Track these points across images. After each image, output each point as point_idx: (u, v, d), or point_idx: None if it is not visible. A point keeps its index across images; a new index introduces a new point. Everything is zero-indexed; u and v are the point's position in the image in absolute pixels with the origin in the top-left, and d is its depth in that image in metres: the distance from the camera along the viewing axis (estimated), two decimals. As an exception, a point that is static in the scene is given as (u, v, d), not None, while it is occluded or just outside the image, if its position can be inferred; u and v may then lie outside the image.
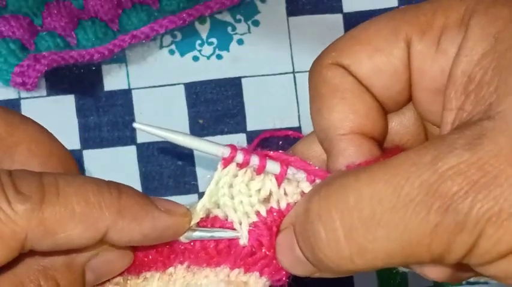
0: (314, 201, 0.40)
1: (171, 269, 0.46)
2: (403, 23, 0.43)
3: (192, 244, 0.45)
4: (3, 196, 0.40)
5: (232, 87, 0.74)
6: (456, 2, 0.42)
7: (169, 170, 0.74)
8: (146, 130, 0.44)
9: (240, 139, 0.73)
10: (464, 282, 0.75)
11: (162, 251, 0.46)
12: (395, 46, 0.43)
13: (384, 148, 0.46)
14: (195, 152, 0.74)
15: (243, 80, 0.74)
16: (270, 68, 0.74)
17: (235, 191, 0.45)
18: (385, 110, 0.45)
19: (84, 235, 0.42)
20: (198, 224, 0.45)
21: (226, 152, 0.44)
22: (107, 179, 0.44)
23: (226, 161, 0.45)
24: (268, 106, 0.74)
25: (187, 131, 0.73)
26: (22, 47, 0.70)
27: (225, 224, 0.45)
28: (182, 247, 0.46)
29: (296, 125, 0.73)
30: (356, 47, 0.44)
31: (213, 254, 0.45)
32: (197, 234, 0.45)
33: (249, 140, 0.73)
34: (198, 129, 0.74)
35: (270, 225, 0.44)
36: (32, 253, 0.42)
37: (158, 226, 0.43)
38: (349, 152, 0.44)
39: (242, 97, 0.74)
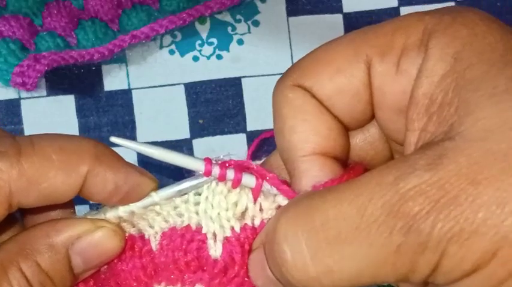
0: (281, 222, 0.40)
1: None
2: (363, 44, 0.43)
3: (162, 253, 0.45)
4: None
5: (232, 87, 0.74)
6: (415, 22, 0.42)
7: (169, 171, 0.74)
8: (123, 144, 0.45)
9: (240, 139, 0.73)
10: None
11: (136, 274, 0.46)
12: (356, 67, 0.43)
13: (348, 165, 0.46)
14: (195, 154, 0.74)
15: (243, 80, 0.74)
16: (270, 68, 0.74)
17: (215, 202, 0.45)
18: (347, 129, 0.46)
19: (66, 181, 0.44)
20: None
21: (201, 167, 0.44)
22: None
23: (206, 175, 0.45)
24: (268, 106, 0.73)
25: (188, 131, 0.73)
26: (22, 47, 0.70)
27: (196, 236, 0.45)
28: (154, 263, 0.45)
29: (296, 125, 0.73)
30: (317, 68, 0.44)
31: (183, 267, 0.45)
32: (163, 192, 0.45)
33: (249, 140, 0.73)
34: (198, 130, 0.74)
35: (243, 242, 0.45)
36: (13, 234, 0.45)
37: (130, 180, 0.45)
38: (312, 172, 0.44)
39: (242, 97, 0.74)
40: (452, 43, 0.40)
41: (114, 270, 0.46)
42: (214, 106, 0.74)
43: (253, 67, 0.74)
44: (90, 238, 0.45)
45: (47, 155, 0.44)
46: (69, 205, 0.49)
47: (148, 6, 0.73)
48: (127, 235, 0.47)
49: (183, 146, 0.73)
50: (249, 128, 0.74)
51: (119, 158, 0.47)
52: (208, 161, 0.44)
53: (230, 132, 0.74)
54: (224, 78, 0.74)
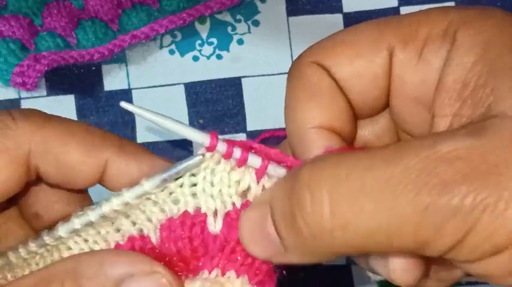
0: (306, 168, 0.39)
1: None
2: (387, 31, 0.44)
3: (164, 247, 0.44)
4: (9, 115, 0.44)
5: (232, 87, 0.74)
6: (440, 16, 0.43)
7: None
8: (132, 110, 0.44)
9: (240, 139, 0.73)
10: (464, 282, 0.75)
11: None
12: (378, 54, 0.44)
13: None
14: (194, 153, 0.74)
15: (243, 80, 0.74)
16: (270, 68, 0.74)
17: (216, 180, 0.44)
18: (357, 117, 0.46)
19: (87, 160, 0.44)
20: None
21: (206, 141, 0.44)
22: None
23: (210, 150, 0.44)
24: (268, 106, 0.74)
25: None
26: (22, 47, 0.70)
27: (196, 219, 0.44)
28: (158, 259, 0.44)
29: (296, 125, 0.73)
30: (339, 50, 0.44)
31: (188, 255, 0.44)
32: (153, 179, 0.44)
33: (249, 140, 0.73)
34: (198, 129, 0.74)
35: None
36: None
37: (157, 167, 0.45)
38: (321, 142, 0.44)
39: (242, 97, 0.74)
40: (481, 34, 0.40)
41: None
42: (214, 106, 0.74)
43: (253, 67, 0.74)
44: (143, 279, 0.42)
45: (72, 131, 0.45)
46: (87, 201, 0.49)
47: (148, 6, 0.73)
48: (126, 237, 0.45)
49: (183, 146, 0.73)
50: (249, 128, 0.74)
51: (145, 150, 0.46)
52: (214, 135, 0.44)
53: (230, 132, 0.74)
54: (224, 78, 0.74)
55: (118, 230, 0.46)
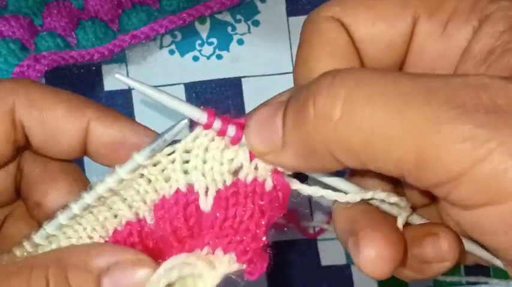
0: (329, 73, 0.37)
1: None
2: None
3: (159, 227, 0.44)
4: None
5: (232, 87, 0.74)
6: None
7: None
8: (128, 82, 0.43)
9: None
10: (464, 282, 0.75)
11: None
12: (401, 20, 0.43)
13: None
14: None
15: (243, 80, 0.74)
16: (270, 68, 0.74)
17: (208, 156, 0.44)
18: None
19: (69, 118, 0.45)
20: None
21: (203, 118, 0.43)
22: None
23: (205, 127, 0.44)
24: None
25: (187, 131, 0.73)
26: (22, 47, 0.70)
27: (190, 197, 0.44)
28: (154, 241, 0.45)
29: (296, 125, 0.73)
30: (361, 9, 0.44)
31: (185, 234, 0.44)
32: (145, 150, 0.44)
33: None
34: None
35: (233, 195, 0.44)
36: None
37: (139, 131, 0.45)
38: None
39: (242, 97, 0.74)
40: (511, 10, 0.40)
41: None
42: (214, 106, 0.74)
43: (253, 67, 0.74)
44: (126, 267, 0.43)
45: (55, 91, 0.45)
46: (81, 178, 0.49)
47: (148, 6, 0.73)
48: (124, 222, 0.45)
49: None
50: (249, 128, 0.74)
51: (127, 117, 0.46)
52: (211, 112, 0.43)
53: (230, 132, 0.74)
54: (224, 78, 0.74)
55: (115, 216, 0.46)
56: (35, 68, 0.68)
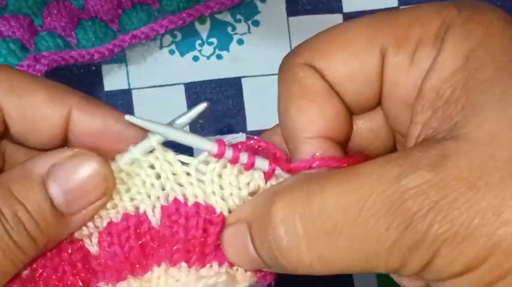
0: (278, 206, 0.40)
1: (148, 275, 0.45)
2: (380, 32, 0.43)
3: (166, 229, 0.44)
4: None
5: (232, 87, 0.74)
6: (433, 15, 0.42)
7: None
8: (138, 124, 0.44)
9: (240, 139, 0.73)
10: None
11: (134, 255, 0.45)
12: (371, 54, 0.43)
13: (349, 152, 0.46)
14: (194, 151, 0.74)
15: (243, 80, 0.74)
16: (270, 68, 0.74)
17: (225, 183, 0.45)
18: (351, 113, 0.46)
19: (50, 104, 0.44)
20: None
21: (214, 149, 0.44)
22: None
23: (218, 157, 0.44)
24: (268, 106, 0.73)
25: (187, 131, 0.73)
26: (22, 47, 0.70)
27: (214, 219, 0.45)
28: (155, 245, 0.44)
29: (296, 125, 0.73)
30: (331, 50, 0.44)
31: (197, 245, 0.44)
32: (158, 135, 0.44)
33: (249, 140, 0.73)
34: (198, 130, 0.73)
35: None
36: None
37: (122, 121, 0.44)
38: (315, 151, 0.44)
39: (242, 97, 0.74)
40: (467, 41, 0.40)
41: (109, 253, 0.44)
42: (214, 106, 0.74)
43: (253, 67, 0.74)
44: (66, 163, 0.42)
45: (37, 78, 0.45)
46: None
47: (148, 6, 0.73)
48: (122, 212, 0.44)
49: (183, 147, 0.73)
50: (249, 128, 0.74)
51: (110, 106, 0.46)
52: (221, 142, 0.44)
53: (230, 132, 0.74)
54: (224, 78, 0.74)
55: (113, 207, 0.45)
56: (35, 68, 0.68)
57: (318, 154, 0.43)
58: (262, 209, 0.41)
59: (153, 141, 0.44)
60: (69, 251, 0.44)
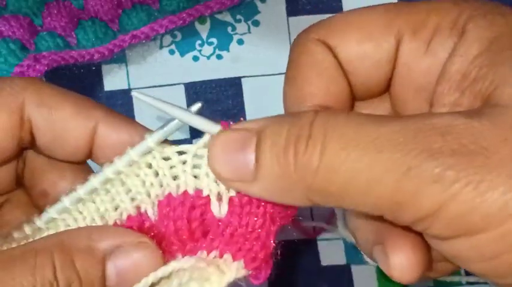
0: (311, 112, 0.39)
1: None
2: (397, 18, 0.44)
3: (162, 224, 0.44)
4: (7, 78, 0.46)
5: (232, 87, 0.74)
6: (450, 6, 0.43)
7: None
8: (143, 99, 0.44)
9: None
10: (464, 282, 0.75)
11: None
12: (386, 39, 0.44)
13: None
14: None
15: (243, 80, 0.74)
16: (270, 68, 0.74)
17: None
18: (355, 98, 0.46)
19: (77, 118, 0.45)
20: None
21: (217, 131, 0.44)
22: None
23: None
24: (268, 106, 0.73)
25: (187, 131, 0.73)
26: (22, 47, 0.70)
27: (197, 201, 0.44)
28: (156, 237, 0.45)
29: (296, 125, 0.73)
30: (347, 30, 0.45)
31: (186, 236, 0.44)
32: (156, 134, 0.44)
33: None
34: (198, 130, 0.73)
35: (248, 202, 0.44)
36: None
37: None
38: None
39: (242, 97, 0.74)
40: (490, 28, 0.41)
41: None
42: (214, 106, 0.74)
43: (253, 67, 0.74)
44: (131, 252, 0.43)
45: (64, 91, 0.46)
46: (87, 170, 0.49)
47: (148, 6, 0.73)
48: (125, 216, 0.45)
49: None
50: (249, 128, 0.74)
51: (135, 121, 0.47)
52: (225, 124, 0.44)
53: (230, 132, 0.74)
54: (224, 78, 0.74)
55: (116, 209, 0.46)
56: (35, 68, 0.68)
57: None
58: (287, 117, 0.40)
59: (150, 142, 0.44)
60: None
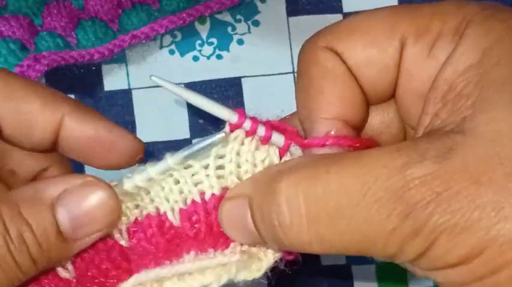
0: (283, 184, 0.40)
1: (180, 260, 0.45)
2: (401, 21, 0.44)
3: (196, 229, 0.45)
4: None
5: (232, 87, 0.74)
6: (455, 9, 0.43)
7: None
8: (162, 84, 0.44)
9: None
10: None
11: (161, 246, 0.45)
12: (391, 43, 0.44)
13: (360, 137, 0.46)
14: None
15: (243, 80, 0.74)
16: (270, 68, 0.74)
17: (242, 160, 0.45)
18: (368, 102, 0.46)
19: (44, 110, 0.45)
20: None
21: (234, 118, 0.44)
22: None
23: (233, 127, 0.44)
24: (268, 106, 0.73)
25: (187, 131, 0.73)
26: (22, 47, 0.70)
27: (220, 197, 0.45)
28: (185, 235, 0.45)
29: (296, 125, 0.73)
30: (352, 35, 0.45)
31: (218, 234, 0.45)
32: (178, 155, 0.44)
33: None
34: (198, 129, 0.74)
35: None
36: None
37: (113, 130, 0.46)
38: (331, 128, 0.44)
39: (242, 97, 0.74)
40: (486, 37, 0.40)
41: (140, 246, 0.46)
42: (214, 106, 0.74)
43: (253, 67, 0.74)
44: (76, 190, 0.43)
45: (33, 84, 0.46)
46: (63, 159, 0.49)
47: (148, 6, 0.73)
48: (144, 214, 0.46)
49: (183, 147, 0.73)
50: (249, 128, 0.74)
51: (103, 115, 0.47)
52: (241, 112, 0.44)
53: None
54: (224, 78, 0.74)
55: (137, 206, 0.46)
56: (35, 68, 0.68)
57: (332, 132, 0.44)
58: (266, 186, 0.41)
59: (170, 162, 0.45)
60: (105, 250, 0.45)
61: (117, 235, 0.46)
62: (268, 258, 0.45)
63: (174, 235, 0.45)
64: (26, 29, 0.71)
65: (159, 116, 0.74)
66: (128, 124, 0.73)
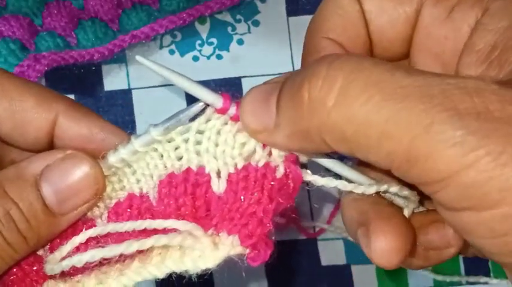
0: (332, 55, 0.38)
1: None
2: None
3: (162, 203, 0.44)
4: None
5: (232, 87, 0.74)
6: None
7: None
8: (147, 65, 0.44)
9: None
10: (464, 282, 0.75)
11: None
12: (408, 1, 0.45)
13: None
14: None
15: (243, 80, 0.74)
16: (270, 68, 0.74)
17: (221, 140, 0.44)
18: (372, 53, 0.47)
19: (38, 109, 0.45)
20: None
21: (218, 103, 0.44)
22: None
23: (220, 111, 0.44)
24: (268, 106, 0.74)
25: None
26: (22, 47, 0.70)
27: (201, 178, 0.44)
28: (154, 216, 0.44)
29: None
30: None
31: (189, 212, 0.44)
32: (160, 126, 0.44)
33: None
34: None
35: (244, 179, 0.43)
36: None
37: (107, 129, 0.46)
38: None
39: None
40: None
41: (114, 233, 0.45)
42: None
43: (253, 67, 0.74)
44: (58, 164, 0.44)
45: (28, 83, 0.46)
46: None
47: (148, 6, 0.73)
48: (126, 193, 0.46)
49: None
50: (249, 128, 0.74)
51: (96, 114, 0.47)
52: (226, 97, 0.44)
53: (230, 132, 0.74)
54: (224, 78, 0.74)
55: (122, 189, 0.46)
56: (35, 68, 0.68)
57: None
58: (301, 70, 0.40)
59: (154, 134, 0.44)
60: (84, 230, 0.45)
61: (98, 219, 0.46)
62: (225, 247, 0.42)
63: (150, 217, 0.45)
64: (26, 29, 0.71)
65: (159, 116, 0.74)
66: (128, 124, 0.73)
